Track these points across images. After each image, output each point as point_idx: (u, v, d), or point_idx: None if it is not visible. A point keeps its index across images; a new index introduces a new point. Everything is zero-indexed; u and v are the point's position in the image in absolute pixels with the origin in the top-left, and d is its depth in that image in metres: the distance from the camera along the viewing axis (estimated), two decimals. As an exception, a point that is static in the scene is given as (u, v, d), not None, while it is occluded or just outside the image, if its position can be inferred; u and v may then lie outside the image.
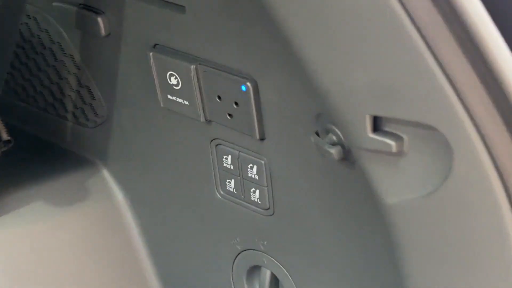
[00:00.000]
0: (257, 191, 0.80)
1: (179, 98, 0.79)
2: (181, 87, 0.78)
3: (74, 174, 0.99)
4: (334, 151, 0.66)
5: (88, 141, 0.99)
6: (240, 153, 0.79)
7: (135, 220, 0.98)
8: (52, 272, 0.95)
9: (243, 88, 0.73)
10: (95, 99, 0.93)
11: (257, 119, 0.74)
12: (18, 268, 0.93)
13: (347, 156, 0.66)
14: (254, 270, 0.88)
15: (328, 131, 0.67)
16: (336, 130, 0.66)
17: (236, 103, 0.75)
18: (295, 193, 0.76)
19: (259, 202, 0.80)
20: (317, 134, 0.69)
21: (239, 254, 0.87)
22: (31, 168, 0.98)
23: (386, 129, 0.58)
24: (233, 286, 0.90)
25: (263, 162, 0.77)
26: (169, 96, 0.81)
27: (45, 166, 0.99)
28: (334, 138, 0.66)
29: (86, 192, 0.97)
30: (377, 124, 0.58)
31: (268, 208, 0.80)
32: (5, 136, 0.83)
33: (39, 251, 0.94)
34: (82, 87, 0.93)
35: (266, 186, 0.79)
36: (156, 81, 0.81)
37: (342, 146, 0.66)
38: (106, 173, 0.98)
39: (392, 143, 0.58)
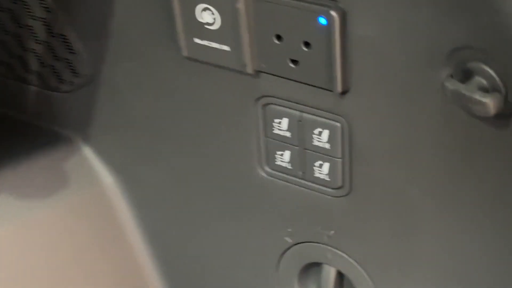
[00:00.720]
0: (326, 165, 0.59)
1: (215, 42, 0.57)
2: (220, 26, 0.56)
3: (45, 156, 0.74)
4: (491, 100, 0.45)
5: (61, 111, 0.74)
6: (303, 114, 0.57)
7: (131, 210, 0.75)
8: (33, 276, 0.71)
9: (322, 20, 0.51)
10: (73, 53, 0.69)
11: (341, 65, 0.53)
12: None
13: (504, 110, 0.46)
14: (310, 268, 0.67)
15: (471, 74, 0.46)
16: (490, 70, 0.45)
17: (306, 44, 0.53)
18: (391, 166, 0.55)
19: (328, 179, 0.59)
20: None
21: (289, 248, 0.66)
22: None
23: None
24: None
25: (339, 124, 0.56)
26: (197, 40, 0.58)
27: (6, 147, 0.74)
28: (485, 82, 0.46)
29: (64, 177, 0.73)
30: None
31: (341, 187, 0.59)
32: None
33: (14, 255, 0.70)
34: (54, 36, 0.69)
35: (341, 157, 0.57)
36: (179, 20, 0.58)
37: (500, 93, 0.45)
38: (88, 152, 0.75)
39: None
